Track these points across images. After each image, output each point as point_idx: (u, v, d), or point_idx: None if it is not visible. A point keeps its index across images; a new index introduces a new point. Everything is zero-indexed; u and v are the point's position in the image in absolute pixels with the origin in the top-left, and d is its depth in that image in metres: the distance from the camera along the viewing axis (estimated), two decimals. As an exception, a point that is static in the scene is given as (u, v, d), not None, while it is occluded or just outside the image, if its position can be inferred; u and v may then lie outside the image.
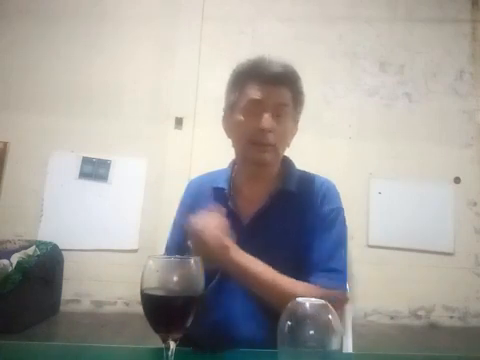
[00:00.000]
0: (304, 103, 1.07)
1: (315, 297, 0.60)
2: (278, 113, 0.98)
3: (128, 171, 4.19)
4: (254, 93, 0.99)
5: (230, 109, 1.05)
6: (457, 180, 4.30)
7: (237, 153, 1.06)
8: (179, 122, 4.23)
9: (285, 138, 1.02)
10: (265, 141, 0.97)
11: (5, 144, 4.14)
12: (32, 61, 4.26)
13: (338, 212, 1.02)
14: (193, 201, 1.09)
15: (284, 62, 1.01)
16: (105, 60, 4.29)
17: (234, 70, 1.04)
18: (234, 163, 1.11)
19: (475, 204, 4.29)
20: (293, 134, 1.08)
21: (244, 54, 1.04)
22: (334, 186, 1.07)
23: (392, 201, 4.21)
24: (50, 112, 4.19)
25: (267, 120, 0.96)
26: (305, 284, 0.91)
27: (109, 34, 4.34)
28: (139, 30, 4.35)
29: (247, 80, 1.01)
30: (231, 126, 1.05)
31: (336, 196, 1.05)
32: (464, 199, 4.27)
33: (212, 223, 0.89)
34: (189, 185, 1.16)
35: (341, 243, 1.00)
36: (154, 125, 4.24)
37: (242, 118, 1.00)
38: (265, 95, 0.98)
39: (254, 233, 0.98)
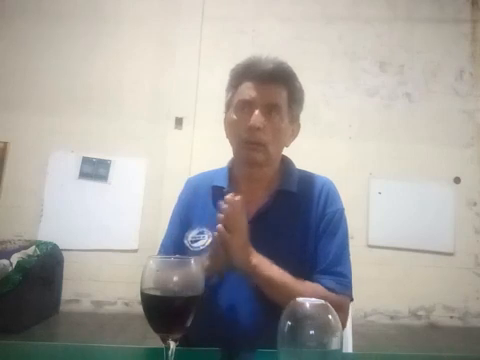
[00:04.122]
0: (304, 101, 1.05)
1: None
2: (269, 111, 0.97)
3: (128, 171, 4.19)
4: (245, 92, 0.98)
5: (226, 108, 1.06)
6: (457, 180, 4.30)
7: (233, 152, 1.06)
8: (179, 122, 4.23)
9: (278, 137, 0.99)
10: (254, 139, 0.95)
11: (5, 144, 4.14)
12: (32, 61, 4.26)
13: (341, 213, 1.02)
14: (191, 199, 1.09)
15: (278, 60, 0.99)
16: (105, 60, 4.29)
17: (231, 69, 1.04)
18: (233, 162, 1.10)
19: (475, 204, 4.29)
20: (292, 135, 1.06)
21: (244, 54, 1.03)
22: (335, 186, 1.06)
23: (392, 201, 4.21)
24: (50, 112, 4.18)
25: (256, 117, 0.95)
26: (320, 288, 0.92)
27: (109, 34, 4.33)
28: (139, 30, 4.35)
29: (240, 79, 1.01)
30: (226, 125, 1.05)
31: (338, 197, 1.05)
32: (464, 199, 4.28)
33: (240, 229, 0.88)
34: (187, 183, 1.15)
35: (346, 246, 1.01)
36: (154, 125, 4.24)
37: (235, 117, 1.00)
38: (256, 93, 0.97)
39: (255, 232, 0.96)
